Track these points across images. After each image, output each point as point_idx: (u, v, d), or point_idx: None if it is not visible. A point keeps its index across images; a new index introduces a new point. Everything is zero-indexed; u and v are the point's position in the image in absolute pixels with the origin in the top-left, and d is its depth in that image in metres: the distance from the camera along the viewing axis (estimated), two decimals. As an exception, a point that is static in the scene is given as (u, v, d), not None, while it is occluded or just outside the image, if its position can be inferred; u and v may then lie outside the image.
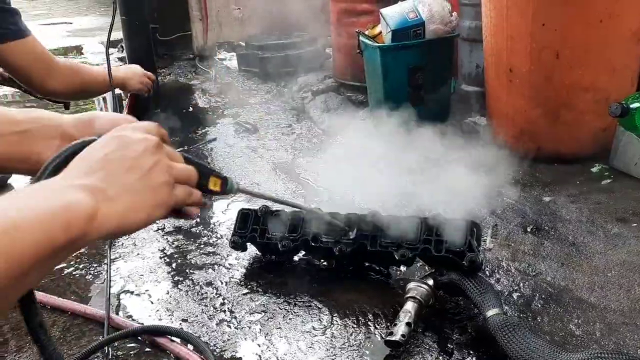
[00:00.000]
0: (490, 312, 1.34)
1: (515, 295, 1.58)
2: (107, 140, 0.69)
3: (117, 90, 3.67)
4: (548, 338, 1.37)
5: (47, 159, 0.70)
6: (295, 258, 1.87)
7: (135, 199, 0.65)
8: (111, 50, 5.22)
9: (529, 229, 1.94)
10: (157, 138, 0.72)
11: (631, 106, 2.12)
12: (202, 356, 1.38)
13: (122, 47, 4.68)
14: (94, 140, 0.72)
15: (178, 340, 1.47)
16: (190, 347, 1.44)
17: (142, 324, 1.57)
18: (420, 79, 2.82)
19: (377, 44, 2.90)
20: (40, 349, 0.66)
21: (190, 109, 3.95)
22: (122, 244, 2.07)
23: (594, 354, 1.16)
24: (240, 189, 0.97)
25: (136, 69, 2.40)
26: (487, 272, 1.69)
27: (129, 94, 2.89)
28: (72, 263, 1.96)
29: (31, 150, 0.85)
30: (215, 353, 1.43)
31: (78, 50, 5.84)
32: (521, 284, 1.63)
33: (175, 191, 0.72)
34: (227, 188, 0.90)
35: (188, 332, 1.48)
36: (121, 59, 4.73)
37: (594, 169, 2.36)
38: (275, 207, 1.81)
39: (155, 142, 0.71)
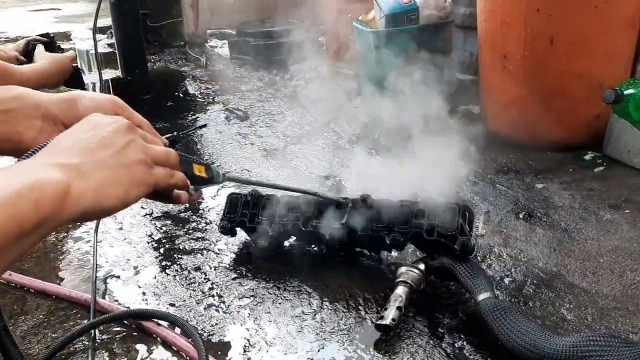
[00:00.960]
0: (482, 296, 1.32)
1: (506, 280, 1.57)
2: (76, 126, 0.68)
3: (106, 76, 3.62)
4: (539, 322, 1.35)
5: (28, 139, 0.67)
6: (286, 243, 1.85)
7: (110, 175, 0.63)
8: (100, 36, 5.15)
9: (521, 216, 1.93)
10: (126, 120, 0.70)
11: (625, 92, 2.10)
12: (189, 340, 1.35)
13: (111, 33, 4.60)
14: None
15: (165, 324, 1.44)
16: (177, 330, 1.41)
17: (129, 308, 1.54)
18: (413, 66, 2.79)
19: (370, 29, 2.86)
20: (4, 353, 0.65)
21: (181, 95, 3.89)
22: (109, 229, 2.03)
23: (585, 338, 1.15)
24: (228, 177, 0.95)
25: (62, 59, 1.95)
26: (479, 257, 1.68)
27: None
28: (57, 247, 1.92)
29: (14, 129, 0.81)
30: (203, 337, 1.40)
31: (66, 36, 5.75)
32: (513, 270, 1.61)
33: (154, 171, 0.69)
34: (212, 174, 0.88)
35: (176, 316, 1.45)
36: (110, 45, 4.65)
37: (587, 157, 2.35)
38: (266, 191, 1.79)
39: (126, 123, 0.70)
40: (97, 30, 2.86)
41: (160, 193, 0.79)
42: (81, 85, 2.07)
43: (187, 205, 2.22)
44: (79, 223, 2.10)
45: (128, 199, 0.65)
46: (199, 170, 0.84)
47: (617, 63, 2.33)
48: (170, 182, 0.73)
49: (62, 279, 1.72)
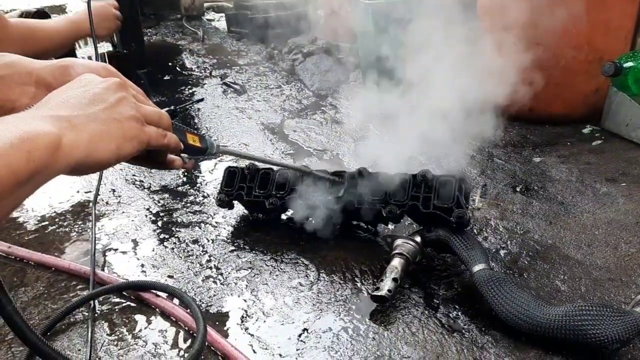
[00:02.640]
0: (477, 268, 1.33)
1: (502, 252, 1.58)
2: (68, 84, 0.69)
3: (102, 50, 3.58)
4: (534, 293, 1.37)
5: (21, 106, 0.68)
6: (283, 216, 1.86)
7: (102, 128, 0.64)
8: (96, 9, 5.05)
9: (518, 189, 1.93)
10: (118, 78, 0.71)
11: (624, 65, 2.09)
12: (187, 310, 1.37)
13: (107, 5, 4.53)
14: None
15: (164, 295, 1.45)
16: (175, 301, 1.43)
17: (127, 279, 1.56)
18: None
19: (368, 1, 2.82)
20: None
21: (177, 69, 3.86)
22: (107, 202, 2.04)
23: (578, 307, 1.16)
24: (222, 149, 0.95)
25: (101, 10, 2.03)
26: (475, 230, 1.69)
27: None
28: (56, 220, 1.93)
29: (7, 97, 0.81)
30: (201, 308, 1.42)
31: (61, 9, 5.67)
32: (509, 242, 1.62)
33: (146, 129, 0.70)
34: (207, 144, 0.88)
35: (174, 287, 1.46)
36: (106, 18, 4.59)
37: (585, 130, 2.35)
38: (263, 165, 1.78)
39: (117, 81, 0.71)
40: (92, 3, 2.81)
41: (154, 158, 0.79)
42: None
43: (183, 172, 2.23)
44: (75, 196, 2.11)
45: (120, 153, 0.66)
46: (193, 140, 0.85)
47: (617, 35, 2.30)
48: (163, 142, 0.74)
49: (61, 252, 1.74)
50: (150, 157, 0.79)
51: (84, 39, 2.10)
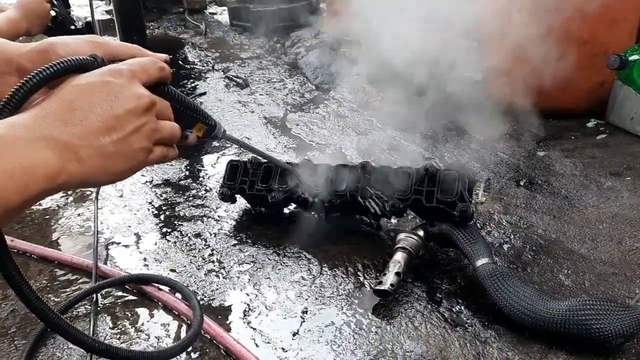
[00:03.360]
0: (480, 262, 1.33)
1: (505, 246, 1.57)
2: (96, 85, 0.62)
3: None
4: (537, 288, 1.36)
5: (3, 97, 0.63)
6: (285, 210, 1.85)
7: (106, 163, 0.62)
8: (98, 2, 5.07)
9: (522, 183, 1.92)
10: (149, 99, 0.66)
11: (630, 59, 2.07)
12: (188, 304, 1.37)
13: (109, -1, 4.53)
14: (90, 64, 0.67)
15: (166, 289, 1.45)
16: (178, 295, 1.43)
17: (130, 273, 1.56)
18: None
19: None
20: (19, 294, 0.65)
21: (180, 62, 3.85)
22: (110, 196, 2.04)
23: (582, 302, 1.16)
24: (227, 136, 0.94)
25: (33, 6, 1.83)
26: (479, 224, 1.68)
27: None
28: (58, 214, 1.93)
29: None
30: (203, 302, 1.42)
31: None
32: (512, 236, 1.62)
33: (150, 155, 0.68)
34: (211, 134, 0.87)
35: (173, 280, 1.46)
36: (108, 12, 4.58)
37: (590, 124, 2.33)
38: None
39: (146, 104, 0.65)
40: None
41: None
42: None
43: (185, 166, 2.22)
44: (78, 190, 2.10)
45: (115, 180, 0.65)
46: (198, 130, 0.84)
47: (622, 29, 2.28)
48: (161, 161, 0.72)
49: (63, 245, 1.74)
50: None
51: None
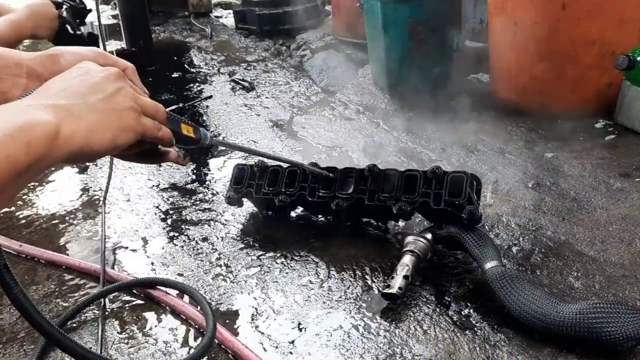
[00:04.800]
0: (489, 265, 1.32)
1: (514, 249, 1.56)
2: (67, 71, 0.69)
3: (110, 48, 3.59)
4: (547, 290, 1.35)
5: (14, 98, 0.67)
6: (292, 214, 1.85)
7: (100, 118, 0.64)
8: (104, 7, 5.09)
9: (530, 185, 1.91)
10: (117, 70, 0.71)
11: (638, 59, 2.05)
12: (197, 308, 1.37)
13: (115, 3, 4.55)
14: None
15: (174, 293, 1.45)
16: (186, 299, 1.42)
17: (137, 277, 1.56)
18: (421, 33, 2.73)
19: (377, -2, 2.80)
20: (5, 289, 0.66)
21: (186, 66, 3.86)
22: (117, 200, 2.04)
23: (592, 305, 1.15)
24: (216, 140, 0.94)
25: (42, 9, 1.79)
26: (487, 227, 1.67)
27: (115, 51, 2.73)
28: (66, 219, 1.94)
29: None
30: (211, 306, 1.42)
31: None
32: (521, 239, 1.60)
33: (142, 120, 0.70)
34: (200, 135, 0.87)
35: (186, 284, 1.46)
36: (114, 16, 4.60)
37: (598, 125, 2.31)
38: (272, 162, 1.78)
39: (117, 71, 0.70)
40: (100, 0, 2.82)
41: (146, 151, 0.79)
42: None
43: (192, 170, 2.22)
44: (86, 195, 2.11)
45: (116, 143, 0.66)
46: (187, 130, 0.84)
47: (630, 29, 2.27)
48: (157, 135, 0.74)
49: (71, 250, 1.74)
50: (142, 151, 0.78)
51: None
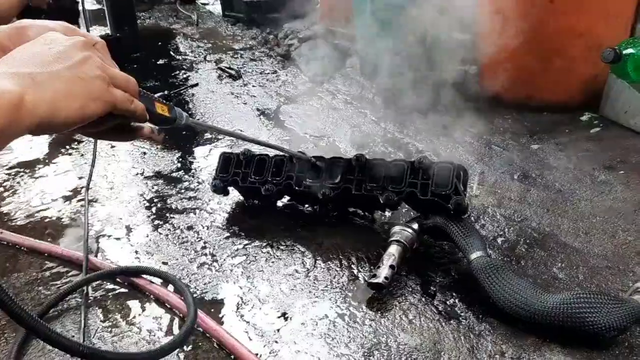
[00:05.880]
0: (474, 255, 1.32)
1: (499, 240, 1.57)
2: (33, 41, 0.67)
3: (94, 33, 3.53)
4: (531, 281, 1.36)
5: None
6: (279, 203, 1.84)
7: (66, 87, 0.62)
8: (88, -9, 4.98)
9: (516, 176, 1.92)
10: (84, 39, 0.69)
11: (624, 52, 2.07)
12: (181, 297, 1.35)
13: (99, -12, 4.46)
14: None
15: (158, 282, 1.44)
16: (171, 288, 1.41)
17: (121, 265, 1.54)
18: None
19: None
20: None
21: (172, 53, 3.81)
22: (100, 188, 2.01)
23: (576, 295, 1.16)
24: (192, 121, 0.92)
25: None
26: (473, 218, 1.68)
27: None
28: (48, 206, 1.90)
29: None
30: (195, 295, 1.41)
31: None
32: (506, 230, 1.61)
33: (112, 90, 0.68)
34: (176, 114, 0.86)
35: (165, 272, 1.44)
36: (98, 1, 4.52)
37: (584, 118, 2.33)
38: (259, 151, 1.76)
39: (83, 40, 0.68)
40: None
41: (119, 127, 0.77)
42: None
43: (178, 158, 2.20)
44: (69, 183, 2.08)
45: (85, 113, 0.64)
46: (161, 109, 0.82)
47: (617, 22, 2.28)
48: (129, 107, 0.72)
49: (54, 238, 1.71)
50: (115, 127, 0.77)
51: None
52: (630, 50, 2.06)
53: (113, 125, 0.75)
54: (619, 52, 2.05)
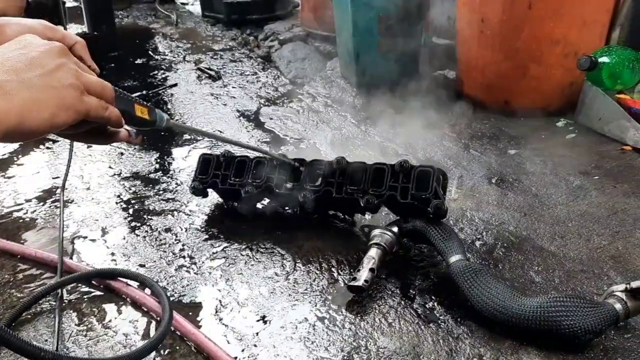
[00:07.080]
0: (453, 259, 1.33)
1: (478, 243, 1.59)
2: (6, 44, 0.65)
3: (70, 31, 3.46)
4: (509, 284, 1.38)
5: None
6: (259, 205, 1.82)
7: (36, 96, 0.60)
8: (65, -12, 4.90)
9: (493, 181, 1.94)
10: (60, 45, 0.67)
11: (599, 60, 2.12)
12: (158, 299, 1.33)
13: (76, -15, 4.39)
14: None
15: (135, 284, 1.41)
16: (147, 291, 1.39)
17: (96, 268, 1.51)
18: (390, 28, 2.74)
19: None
20: None
21: (150, 53, 3.76)
22: (76, 189, 1.97)
23: (552, 299, 1.17)
24: (173, 123, 0.91)
25: None
26: (451, 221, 1.69)
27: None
28: (22, 206, 1.86)
29: None
30: (173, 298, 1.39)
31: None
32: (484, 233, 1.63)
33: (86, 98, 0.66)
34: (155, 117, 0.84)
35: (140, 274, 1.42)
36: (76, 0, 4.44)
37: (559, 124, 2.37)
38: (239, 153, 1.75)
39: (59, 46, 0.66)
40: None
41: (95, 131, 0.76)
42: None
43: (156, 159, 2.17)
44: (44, 183, 2.03)
45: (55, 123, 0.62)
46: (141, 112, 0.80)
47: (593, 30, 2.33)
48: (104, 115, 0.70)
49: (27, 239, 1.67)
50: (90, 131, 0.75)
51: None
52: (605, 59, 2.11)
53: (89, 128, 0.74)
54: (595, 59, 2.10)
